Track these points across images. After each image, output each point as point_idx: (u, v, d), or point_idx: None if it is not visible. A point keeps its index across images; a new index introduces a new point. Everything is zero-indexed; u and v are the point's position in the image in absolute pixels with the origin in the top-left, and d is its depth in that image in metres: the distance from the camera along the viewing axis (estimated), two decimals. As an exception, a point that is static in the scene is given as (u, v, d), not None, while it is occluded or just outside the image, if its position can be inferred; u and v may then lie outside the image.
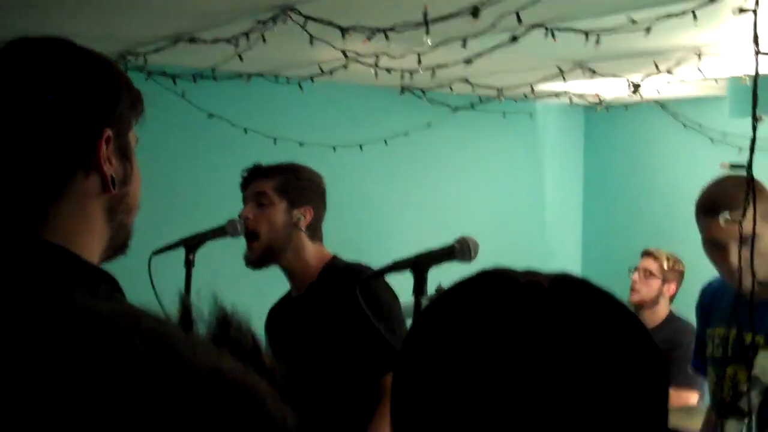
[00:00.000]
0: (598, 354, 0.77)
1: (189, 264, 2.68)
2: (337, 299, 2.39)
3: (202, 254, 2.73)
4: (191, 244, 2.69)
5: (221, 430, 0.39)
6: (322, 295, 2.49)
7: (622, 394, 0.77)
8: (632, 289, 3.99)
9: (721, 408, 2.28)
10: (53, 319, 0.40)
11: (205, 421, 0.39)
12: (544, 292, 0.79)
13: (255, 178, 2.60)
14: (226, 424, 0.39)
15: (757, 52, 1.64)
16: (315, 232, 2.59)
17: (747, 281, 2.11)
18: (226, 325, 0.46)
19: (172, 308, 0.44)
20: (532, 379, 0.74)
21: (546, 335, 0.76)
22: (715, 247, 2.20)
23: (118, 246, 1.23)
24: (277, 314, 2.70)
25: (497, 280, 0.83)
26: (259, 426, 0.40)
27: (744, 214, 1.98)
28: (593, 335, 0.78)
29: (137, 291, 2.55)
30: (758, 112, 1.90)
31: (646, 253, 4.04)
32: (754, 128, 1.69)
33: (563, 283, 0.82)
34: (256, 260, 2.55)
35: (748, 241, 2.06)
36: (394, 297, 2.46)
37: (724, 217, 2.08)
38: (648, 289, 3.94)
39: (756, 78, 1.61)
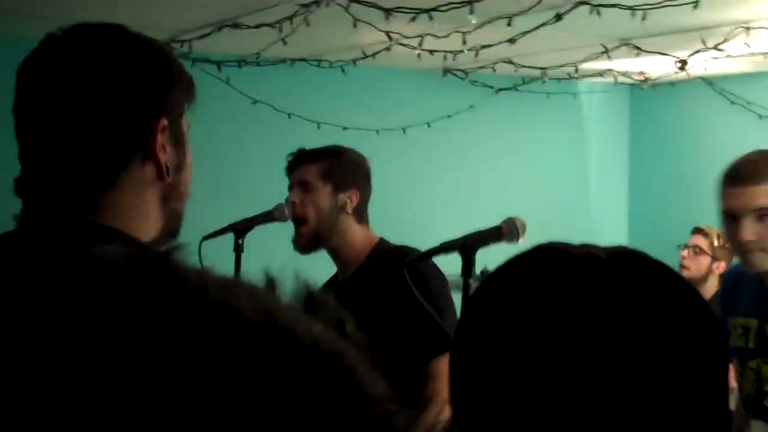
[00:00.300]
0: (659, 327, 0.76)
1: (238, 249, 2.72)
2: (385, 282, 2.38)
3: (250, 239, 2.77)
4: (240, 229, 2.73)
5: (318, 400, 0.39)
6: (369, 278, 2.49)
7: (684, 368, 0.76)
8: (681, 266, 3.95)
9: (747, 405, 2.23)
10: (162, 290, 0.40)
11: (305, 390, 0.39)
12: (602, 264, 0.79)
13: (300, 163, 2.61)
14: (323, 394, 0.39)
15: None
16: (361, 214, 2.59)
17: (760, 261, 2.07)
18: (311, 298, 0.46)
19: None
20: (595, 354, 0.74)
21: (606, 308, 0.75)
22: (729, 219, 2.11)
23: (169, 232, 1.24)
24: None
25: (554, 254, 0.82)
26: (354, 396, 0.40)
27: None
28: (653, 307, 0.77)
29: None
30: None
31: (697, 230, 3.99)
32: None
33: (620, 255, 0.81)
34: (305, 245, 2.57)
35: (764, 215, 2.02)
36: (443, 279, 2.46)
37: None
38: (697, 265, 3.90)
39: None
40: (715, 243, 3.93)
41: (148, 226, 1.19)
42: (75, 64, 1.15)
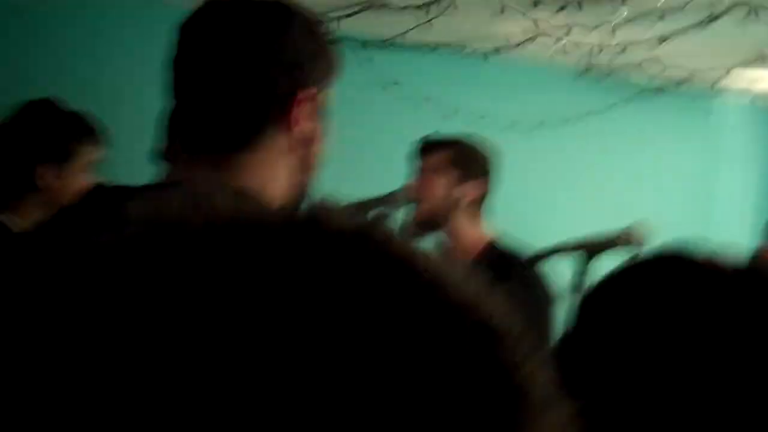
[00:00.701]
0: None
1: None
2: (493, 281, 2.39)
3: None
4: (361, 209, 2.75)
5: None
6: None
7: None
8: None
9: None
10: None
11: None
12: (727, 281, 0.77)
13: (427, 149, 2.64)
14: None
15: None
16: (479, 208, 2.59)
17: None
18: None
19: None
20: (703, 373, 0.73)
21: (723, 326, 0.74)
22: None
23: (294, 202, 1.27)
24: None
25: (679, 264, 0.79)
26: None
27: None
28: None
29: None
30: None
31: None
32: None
33: (746, 273, 0.78)
34: (417, 225, 2.59)
35: None
36: (547, 293, 2.41)
37: None
38: None
39: None
40: None
41: (277, 191, 1.23)
42: (232, 28, 1.20)
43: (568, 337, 0.82)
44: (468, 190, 2.56)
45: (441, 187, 2.56)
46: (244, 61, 1.19)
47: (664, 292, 0.77)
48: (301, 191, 1.28)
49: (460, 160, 2.58)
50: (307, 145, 1.24)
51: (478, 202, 2.59)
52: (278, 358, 0.31)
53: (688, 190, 5.62)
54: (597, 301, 0.83)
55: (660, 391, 0.74)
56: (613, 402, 0.75)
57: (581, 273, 2.02)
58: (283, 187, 1.25)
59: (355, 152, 4.56)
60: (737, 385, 0.73)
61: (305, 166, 1.27)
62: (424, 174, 2.61)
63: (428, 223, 2.59)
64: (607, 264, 2.52)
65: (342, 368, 0.31)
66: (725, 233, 5.81)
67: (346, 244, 0.34)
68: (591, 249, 2.03)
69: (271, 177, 1.22)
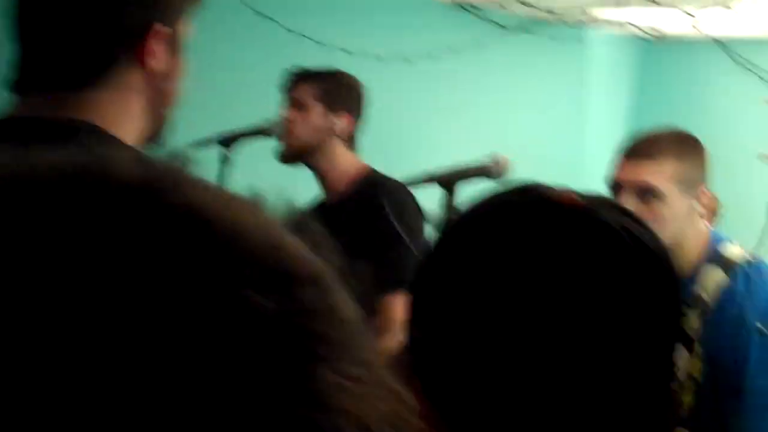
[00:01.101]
0: (618, 283, 0.76)
1: (225, 160, 2.72)
2: (369, 211, 2.44)
3: (238, 155, 2.76)
4: (229, 141, 2.73)
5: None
6: (355, 205, 2.51)
7: (635, 329, 0.76)
8: None
9: None
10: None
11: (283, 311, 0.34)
12: (580, 214, 0.78)
13: (296, 81, 2.65)
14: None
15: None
16: (351, 140, 2.62)
17: None
18: (295, 219, 0.44)
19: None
20: (551, 303, 0.74)
21: (572, 257, 0.75)
22: (611, 192, 2.01)
23: (152, 137, 1.23)
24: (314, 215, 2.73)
25: (532, 198, 0.81)
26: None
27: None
28: (615, 263, 0.76)
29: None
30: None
31: None
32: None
33: (599, 205, 0.80)
34: (288, 156, 2.64)
35: (646, 194, 1.92)
36: (419, 213, 2.48)
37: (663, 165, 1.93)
38: None
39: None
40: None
41: (130, 129, 1.16)
42: None
43: (423, 269, 0.83)
44: (337, 123, 2.58)
45: (310, 119, 2.57)
46: None
47: (510, 229, 0.78)
48: (158, 128, 1.23)
49: (327, 93, 2.62)
50: (163, 81, 1.18)
51: (349, 135, 2.62)
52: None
53: (560, 120, 5.74)
54: (449, 237, 0.84)
55: (495, 329, 0.75)
56: (447, 337, 0.77)
57: (447, 201, 2.07)
58: (137, 125, 1.19)
59: (219, 85, 4.43)
60: (563, 319, 0.74)
61: (162, 103, 1.21)
62: (293, 106, 2.63)
63: (299, 154, 2.61)
64: (471, 192, 2.59)
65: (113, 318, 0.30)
66: (597, 158, 5.99)
67: (129, 198, 0.34)
68: (455, 178, 2.07)
69: (124, 115, 1.16)
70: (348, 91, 2.64)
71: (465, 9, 4.87)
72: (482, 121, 5.36)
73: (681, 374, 1.93)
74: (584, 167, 5.94)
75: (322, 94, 2.58)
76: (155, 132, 1.22)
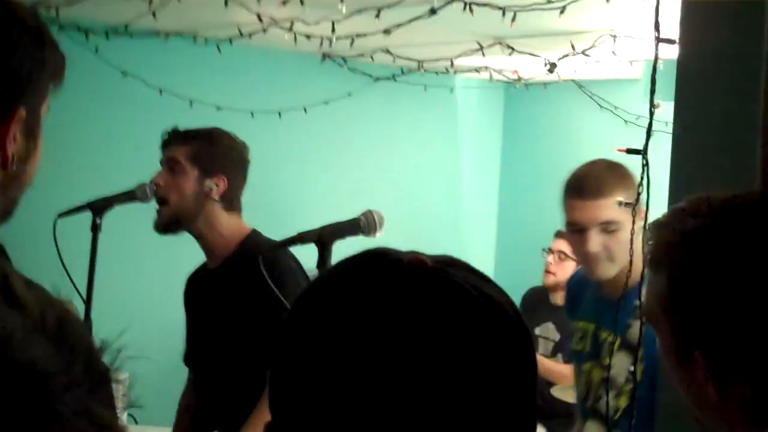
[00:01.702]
0: (467, 342, 0.76)
1: (96, 228, 2.62)
2: (249, 275, 2.31)
3: (111, 219, 2.68)
4: (99, 207, 2.62)
5: None
6: (237, 269, 2.44)
7: (488, 384, 0.76)
8: (546, 272, 4.05)
9: (582, 407, 2.28)
10: None
11: None
12: (426, 273, 0.78)
13: (170, 142, 2.53)
14: None
15: (658, 39, 1.65)
16: (231, 202, 2.52)
17: (604, 270, 2.13)
18: None
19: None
20: (403, 364, 0.73)
21: (420, 320, 0.75)
22: (574, 231, 2.18)
23: (3, 218, 1.17)
24: (193, 284, 2.66)
25: (380, 259, 0.81)
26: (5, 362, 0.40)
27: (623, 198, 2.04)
28: (463, 323, 0.76)
29: (43, 253, 2.46)
30: (663, 98, 1.94)
31: (560, 234, 4.09)
32: (651, 114, 1.72)
33: (445, 265, 0.80)
34: (163, 226, 2.51)
35: (609, 227, 2.10)
36: (298, 273, 2.42)
37: (617, 199, 2.10)
38: (563, 271, 4.00)
39: (655, 65, 1.63)
40: None
41: None
42: None
43: (277, 341, 0.81)
44: (212, 186, 2.48)
45: (184, 183, 2.47)
46: None
47: (361, 291, 0.78)
48: (9, 209, 1.17)
49: (201, 155, 2.49)
50: (17, 163, 1.12)
51: (227, 197, 2.51)
52: None
53: (433, 165, 5.86)
54: (301, 304, 0.82)
55: (349, 394, 0.74)
56: (313, 405, 0.76)
57: (322, 260, 2.04)
58: None
59: (88, 149, 4.32)
60: (416, 379, 0.74)
61: (16, 184, 1.15)
62: (167, 169, 2.51)
63: (175, 221, 2.50)
64: (345, 250, 2.59)
65: None
66: (470, 213, 6.14)
67: None
68: (329, 236, 2.05)
69: None
70: (224, 151, 2.52)
71: (334, 61, 4.93)
72: (357, 172, 5.41)
73: (620, 380, 2.01)
74: (461, 209, 6.08)
75: (197, 156, 2.48)
76: (5, 213, 1.16)
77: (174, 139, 2.53)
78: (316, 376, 0.76)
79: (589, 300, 2.32)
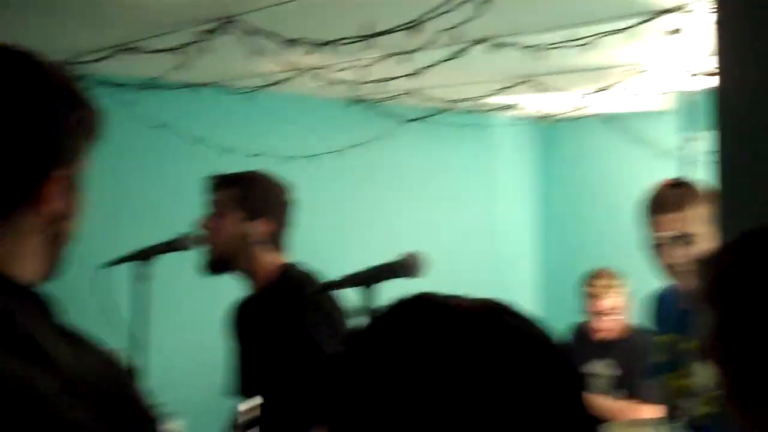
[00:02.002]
0: (518, 386, 0.76)
1: (142, 277, 2.68)
2: (286, 305, 2.38)
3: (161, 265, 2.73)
4: (144, 257, 2.69)
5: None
6: (274, 297, 2.51)
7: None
8: (592, 313, 4.01)
9: (667, 417, 2.37)
10: None
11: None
12: (480, 319, 0.79)
13: (215, 187, 2.61)
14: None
15: (692, 74, 1.65)
16: (276, 243, 2.58)
17: (688, 279, 2.25)
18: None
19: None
20: (460, 407, 0.74)
21: (475, 365, 0.76)
22: (657, 244, 2.35)
23: (48, 275, 1.19)
24: (237, 312, 2.71)
25: (431, 304, 0.81)
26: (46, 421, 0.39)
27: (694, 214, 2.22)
28: (513, 367, 0.77)
29: (87, 304, 2.48)
30: (700, 129, 1.94)
31: (594, 275, 4.05)
32: (686, 147, 1.71)
33: (492, 312, 0.81)
34: (209, 267, 2.58)
35: (688, 239, 2.26)
36: (340, 315, 2.45)
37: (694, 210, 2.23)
38: (608, 305, 3.98)
39: (690, 99, 1.61)
40: (617, 282, 4.00)
41: (25, 271, 1.12)
42: None
43: (332, 384, 0.83)
44: (255, 229, 2.53)
45: (228, 227, 2.54)
46: None
47: (414, 338, 0.79)
48: (53, 266, 1.19)
49: (245, 199, 2.56)
50: (60, 221, 1.15)
51: (272, 239, 2.57)
52: None
53: (468, 203, 5.84)
54: (355, 349, 0.84)
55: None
56: None
57: (365, 302, 2.06)
58: (33, 267, 1.14)
59: (127, 200, 4.37)
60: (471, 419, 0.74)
61: (59, 241, 1.17)
62: (213, 213, 2.58)
63: (219, 263, 2.56)
64: (389, 291, 2.59)
65: None
66: (509, 245, 6.10)
67: None
68: (372, 279, 2.07)
69: (20, 257, 1.12)
70: (266, 194, 2.59)
71: (363, 105, 4.96)
72: (391, 213, 5.41)
73: (703, 387, 2.06)
74: (499, 247, 6.04)
75: (241, 199, 2.54)
76: (51, 270, 1.19)
77: (219, 183, 2.61)
78: (373, 421, 0.77)
79: (672, 314, 2.41)
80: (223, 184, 2.59)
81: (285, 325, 2.41)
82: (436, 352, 0.77)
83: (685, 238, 2.28)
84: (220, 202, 2.56)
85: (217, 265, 2.56)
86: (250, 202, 2.55)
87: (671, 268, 2.32)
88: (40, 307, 1.11)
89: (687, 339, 2.28)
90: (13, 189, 1.09)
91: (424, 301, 0.83)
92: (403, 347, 0.78)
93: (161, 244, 2.73)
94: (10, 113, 1.07)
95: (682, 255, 2.28)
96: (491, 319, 0.79)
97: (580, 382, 0.81)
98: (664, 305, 2.51)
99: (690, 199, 2.30)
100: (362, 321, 0.91)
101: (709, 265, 1.27)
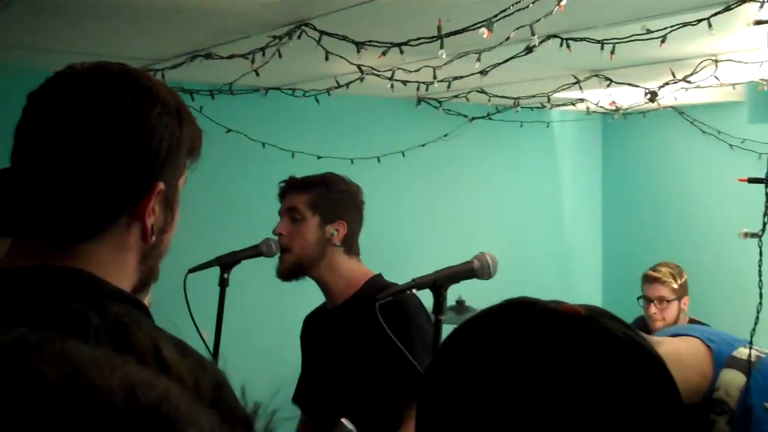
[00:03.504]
0: (621, 392, 0.76)
1: (223, 283, 2.68)
2: (370, 318, 2.35)
3: (235, 271, 2.74)
4: (226, 263, 2.69)
5: None
6: (357, 309, 2.47)
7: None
8: (654, 320, 3.98)
9: None
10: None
11: None
12: (583, 323, 0.79)
13: (289, 191, 2.59)
14: None
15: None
16: (351, 246, 2.56)
17: None
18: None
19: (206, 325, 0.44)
20: (562, 413, 0.74)
21: (576, 370, 0.75)
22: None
23: (142, 285, 1.23)
24: (311, 324, 2.70)
25: (529, 309, 0.81)
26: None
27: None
28: (615, 372, 0.77)
29: (174, 308, 2.55)
30: (765, 120, 1.89)
31: (652, 279, 4.01)
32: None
33: (597, 318, 0.80)
34: (286, 273, 2.56)
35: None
36: (423, 316, 2.41)
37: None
38: (669, 314, 3.96)
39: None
40: (675, 286, 3.96)
41: (122, 281, 1.16)
42: (86, 111, 1.10)
43: (426, 385, 0.83)
44: (333, 231, 2.53)
45: (306, 231, 2.53)
46: (99, 148, 1.09)
47: (520, 341, 0.78)
48: (148, 278, 1.22)
49: (320, 202, 2.54)
50: (158, 234, 1.18)
51: (347, 241, 2.55)
52: None
53: (535, 205, 5.81)
54: (450, 351, 0.83)
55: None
56: None
57: (437, 308, 2.06)
58: (129, 278, 1.18)
59: (200, 204, 4.46)
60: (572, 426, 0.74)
61: (155, 253, 1.20)
62: (288, 218, 2.56)
63: (298, 269, 2.54)
64: (468, 290, 2.56)
65: None
66: (576, 241, 6.05)
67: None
68: (445, 281, 2.07)
69: (117, 267, 1.15)
70: (341, 196, 2.57)
71: (429, 104, 4.98)
72: (457, 212, 5.41)
73: None
74: (564, 243, 5.99)
75: (316, 203, 2.52)
76: (145, 280, 1.21)
77: (292, 188, 2.58)
78: (473, 426, 0.77)
79: None
80: (297, 188, 2.56)
81: (369, 341, 2.36)
82: (542, 357, 0.76)
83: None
84: (296, 207, 2.53)
85: (296, 271, 2.54)
86: (325, 205, 2.53)
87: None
88: (146, 314, 1.14)
89: None
90: (113, 201, 1.12)
91: (526, 306, 0.82)
92: (508, 354, 0.78)
93: (245, 249, 2.73)
94: (115, 127, 1.10)
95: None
96: (596, 324, 0.79)
97: (674, 384, 0.81)
98: None
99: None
100: (456, 329, 0.90)
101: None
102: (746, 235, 2.03)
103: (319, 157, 4.62)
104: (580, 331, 0.78)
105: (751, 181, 1.76)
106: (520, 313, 0.81)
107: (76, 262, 1.12)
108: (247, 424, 0.52)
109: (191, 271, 2.57)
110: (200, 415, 0.43)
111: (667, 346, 2.00)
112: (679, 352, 1.95)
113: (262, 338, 4.49)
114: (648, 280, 4.02)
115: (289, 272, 2.54)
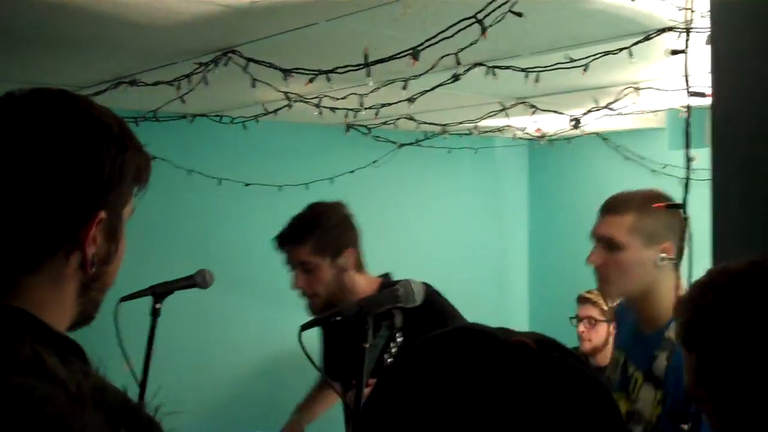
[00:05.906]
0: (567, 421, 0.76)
1: (155, 313, 2.64)
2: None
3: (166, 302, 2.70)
4: (159, 293, 2.66)
5: None
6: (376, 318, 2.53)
7: None
8: (582, 339, 4.03)
9: None
10: None
11: None
12: (533, 354, 0.78)
13: (286, 246, 2.63)
14: None
15: (689, 93, 1.67)
16: (360, 263, 2.68)
17: (600, 287, 2.19)
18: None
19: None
20: None
21: (524, 400, 0.74)
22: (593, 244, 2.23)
23: (84, 319, 1.18)
24: (333, 327, 2.72)
25: (479, 338, 0.79)
26: None
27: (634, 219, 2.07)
28: (563, 403, 0.76)
29: (104, 337, 2.49)
30: (694, 146, 1.94)
31: (584, 300, 4.07)
32: (688, 168, 1.73)
33: (546, 347, 0.80)
34: (322, 311, 2.53)
35: (611, 244, 2.13)
36: (462, 321, 2.48)
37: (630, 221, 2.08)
38: (597, 335, 4.01)
39: (689, 118, 1.64)
40: (605, 307, 4.02)
41: (61, 314, 1.11)
42: (22, 138, 1.06)
43: (366, 412, 0.81)
44: (345, 261, 2.62)
45: (322, 275, 2.60)
46: (36, 175, 1.04)
47: (465, 371, 0.77)
48: (90, 310, 1.17)
49: (323, 246, 2.59)
50: (99, 265, 1.13)
51: (358, 260, 2.66)
52: None
53: (463, 231, 5.85)
54: (393, 378, 0.81)
55: None
56: None
57: (361, 335, 2.05)
58: (69, 307, 1.13)
59: (129, 235, 4.36)
60: None
61: (97, 285, 1.15)
62: (301, 271, 2.61)
63: (330, 302, 2.59)
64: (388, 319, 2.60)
65: None
66: (503, 266, 6.11)
67: None
68: (369, 308, 2.07)
69: (56, 299, 1.10)
70: (337, 230, 2.63)
71: (358, 130, 4.99)
72: (386, 237, 5.42)
73: (645, 413, 2.01)
74: (493, 267, 6.04)
75: (319, 248, 2.58)
76: (87, 314, 1.17)
77: (288, 243, 2.62)
78: None
79: (625, 330, 2.34)
80: (294, 241, 2.60)
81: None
82: (484, 385, 0.75)
83: (608, 243, 2.14)
84: (303, 260, 2.57)
85: (329, 307, 2.53)
86: (328, 245, 2.58)
87: (595, 272, 2.20)
88: (74, 353, 1.09)
89: (633, 365, 2.19)
90: (53, 231, 1.08)
91: (470, 333, 0.80)
92: (450, 380, 0.76)
93: (180, 279, 2.71)
94: (55, 153, 1.06)
95: (598, 259, 2.16)
96: (549, 356, 0.78)
97: (620, 418, 0.81)
98: (623, 319, 2.40)
99: (633, 206, 2.15)
100: (403, 353, 0.88)
101: (687, 304, 1.24)
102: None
103: (246, 185, 4.58)
104: (535, 363, 0.77)
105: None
106: (470, 343, 0.80)
107: (16, 298, 1.07)
108: (133, 416, 0.51)
109: (123, 299, 2.52)
110: (81, 414, 0.45)
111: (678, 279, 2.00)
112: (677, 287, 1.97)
113: (188, 368, 4.41)
114: (580, 300, 4.08)
115: (323, 311, 2.55)
